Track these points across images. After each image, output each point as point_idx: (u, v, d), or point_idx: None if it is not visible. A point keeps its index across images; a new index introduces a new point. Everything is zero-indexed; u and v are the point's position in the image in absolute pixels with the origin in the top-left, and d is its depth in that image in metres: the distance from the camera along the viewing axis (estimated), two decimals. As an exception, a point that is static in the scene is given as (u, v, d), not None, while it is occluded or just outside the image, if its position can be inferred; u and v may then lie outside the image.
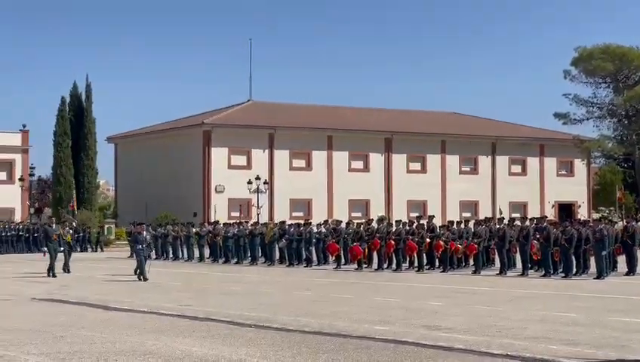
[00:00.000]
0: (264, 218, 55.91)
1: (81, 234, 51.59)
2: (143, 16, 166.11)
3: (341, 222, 37.10)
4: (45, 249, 29.31)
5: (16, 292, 22.99)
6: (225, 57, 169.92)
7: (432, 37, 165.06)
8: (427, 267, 31.35)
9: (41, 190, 76.94)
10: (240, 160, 64.81)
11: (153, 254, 34.89)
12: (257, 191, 59.92)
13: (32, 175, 61.13)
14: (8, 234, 49.79)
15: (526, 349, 12.43)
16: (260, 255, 38.00)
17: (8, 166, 60.38)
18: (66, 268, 30.40)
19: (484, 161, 73.52)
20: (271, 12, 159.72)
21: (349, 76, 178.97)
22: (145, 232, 28.10)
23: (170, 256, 41.86)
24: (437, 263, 31.49)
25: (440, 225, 34.22)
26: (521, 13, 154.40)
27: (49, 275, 28.33)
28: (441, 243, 30.78)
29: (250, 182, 59.94)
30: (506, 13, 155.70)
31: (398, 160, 70.23)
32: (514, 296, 21.49)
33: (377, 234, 32.42)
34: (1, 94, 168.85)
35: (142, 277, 26.47)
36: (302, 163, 67.18)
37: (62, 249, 29.74)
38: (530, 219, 31.08)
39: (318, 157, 67.55)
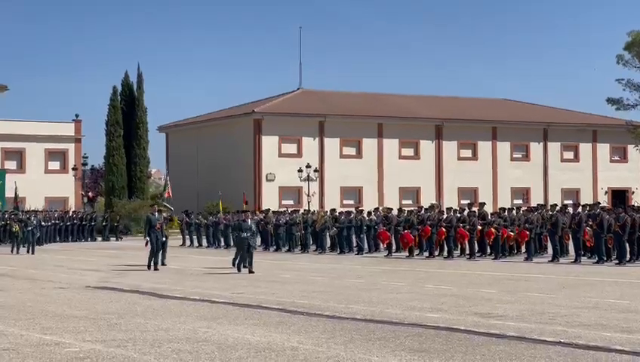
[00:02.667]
0: (315, 206, 56.02)
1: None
2: (194, 5, 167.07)
3: (392, 209, 37.07)
4: (147, 238, 27.27)
5: (71, 280, 23.33)
6: (275, 45, 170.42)
7: (483, 23, 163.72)
8: (478, 254, 31.22)
9: (94, 179, 77.85)
10: (290, 148, 64.96)
11: (258, 242, 33.05)
12: (308, 179, 59.96)
13: (84, 164, 61.82)
14: (67, 223, 50.36)
15: (579, 336, 12.31)
16: (311, 242, 38.13)
17: (62, 156, 61.16)
18: (162, 260, 27.91)
19: (535, 148, 72.81)
20: (319, 1, 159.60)
21: (399, 63, 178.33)
22: (249, 220, 26.02)
23: (222, 244, 42.16)
24: (488, 250, 31.34)
25: (491, 212, 34.02)
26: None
27: (149, 268, 26.56)
28: (493, 230, 30.60)
29: (300, 170, 60.03)
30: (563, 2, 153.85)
31: (449, 147, 69.86)
32: (566, 283, 21.29)
33: (428, 222, 32.34)
34: (54, 85, 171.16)
35: (240, 268, 24.72)
36: (352, 151, 67.14)
37: (164, 239, 27.90)
38: (583, 206, 30.80)
39: (369, 144, 67.45)
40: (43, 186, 57.48)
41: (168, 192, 49.75)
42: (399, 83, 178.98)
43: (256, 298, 17.90)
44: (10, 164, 59.52)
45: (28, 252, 36.84)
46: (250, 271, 24.28)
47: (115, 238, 52.04)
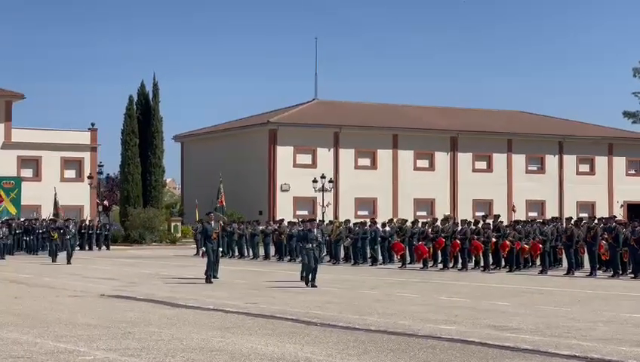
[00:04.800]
0: (329, 216, 56.01)
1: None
2: (210, 15, 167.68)
3: (406, 221, 37.02)
4: (204, 249, 25.66)
5: (86, 288, 23.38)
6: (291, 56, 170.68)
7: (499, 34, 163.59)
8: (493, 267, 31.12)
9: (109, 188, 78.10)
10: (305, 158, 65.02)
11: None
12: (322, 189, 60.02)
13: (100, 173, 62.01)
14: (82, 231, 50.47)
15: (594, 350, 12.25)
16: (324, 253, 38.07)
17: (77, 164, 61.35)
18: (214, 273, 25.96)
19: (551, 160, 72.62)
20: (336, 10, 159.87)
21: (415, 74, 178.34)
22: (315, 230, 24.21)
23: (236, 254, 42.19)
24: (503, 263, 31.23)
25: (506, 224, 33.92)
26: (587, 8, 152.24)
27: (207, 281, 24.95)
28: (508, 242, 30.50)
29: (315, 181, 60.07)
30: (572, 9, 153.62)
31: (464, 159, 69.78)
32: (582, 296, 21.19)
33: (443, 234, 32.29)
34: (70, 93, 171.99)
35: (309, 283, 23.41)
36: (367, 161, 67.15)
37: (220, 249, 26.81)
38: (599, 219, 30.63)
39: (384, 155, 67.45)
40: (59, 194, 57.58)
41: (221, 201, 47.93)
42: (414, 94, 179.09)
43: (270, 308, 17.89)
44: (27, 172, 59.76)
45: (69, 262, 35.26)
46: (313, 286, 23.08)
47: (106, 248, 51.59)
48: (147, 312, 17.25)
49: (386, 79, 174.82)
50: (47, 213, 53.18)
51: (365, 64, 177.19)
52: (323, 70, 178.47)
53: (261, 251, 40.72)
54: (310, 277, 23.41)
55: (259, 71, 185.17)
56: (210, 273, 25.11)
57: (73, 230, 37.92)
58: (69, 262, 35.07)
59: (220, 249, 26.50)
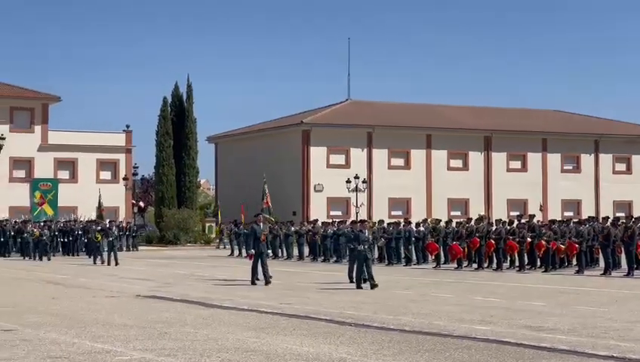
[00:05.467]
0: (363, 217, 55.94)
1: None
2: (243, 16, 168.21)
3: (440, 220, 36.89)
4: (252, 251, 24.80)
5: (121, 289, 23.55)
6: (324, 56, 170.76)
7: (533, 33, 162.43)
8: (528, 267, 30.93)
9: (144, 189, 78.62)
10: (339, 159, 65.04)
11: (376, 254, 30.60)
12: (356, 190, 59.98)
13: (135, 174, 62.48)
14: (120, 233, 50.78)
15: (632, 351, 12.14)
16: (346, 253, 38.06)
17: (113, 166, 61.82)
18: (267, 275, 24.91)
19: (586, 159, 72.06)
20: (369, 10, 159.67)
21: (448, 74, 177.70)
22: (366, 230, 23.89)
23: (270, 254, 42.21)
24: (538, 263, 31.03)
25: (541, 224, 33.70)
26: (622, 9, 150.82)
27: (254, 283, 24.46)
28: (543, 242, 30.30)
29: (348, 181, 60.06)
30: (608, 10, 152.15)
31: (498, 158, 69.45)
32: (619, 296, 21.01)
33: (477, 234, 32.14)
34: (105, 95, 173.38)
35: (361, 283, 22.83)
36: (400, 162, 67.04)
37: (269, 251, 25.70)
38: (636, 218, 30.31)
39: (417, 155, 67.31)
40: (94, 196, 58.13)
41: (267, 201, 46.93)
42: (448, 94, 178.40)
43: (304, 308, 17.91)
44: (63, 174, 60.33)
45: (109, 263, 35.36)
46: (374, 285, 22.48)
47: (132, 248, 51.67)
48: (182, 312, 17.34)
49: (420, 79, 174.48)
50: (83, 214, 53.59)
51: (398, 64, 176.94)
52: (356, 70, 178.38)
53: (295, 251, 40.76)
54: (367, 277, 22.75)
55: (292, 71, 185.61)
56: (265, 275, 24.34)
57: (116, 232, 37.90)
58: (113, 263, 35.02)
59: (270, 251, 25.57)
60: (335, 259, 38.26)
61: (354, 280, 23.47)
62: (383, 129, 66.40)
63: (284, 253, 41.46)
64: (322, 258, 39.00)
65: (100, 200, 52.07)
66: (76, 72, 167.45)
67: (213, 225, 62.37)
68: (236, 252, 45.79)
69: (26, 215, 52.61)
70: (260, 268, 24.58)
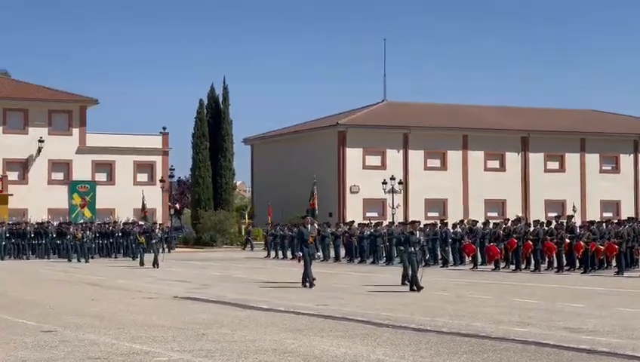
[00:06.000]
0: (399, 218, 55.83)
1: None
2: (278, 19, 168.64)
3: (477, 221, 36.70)
4: (300, 253, 24.45)
5: (159, 291, 23.68)
6: (359, 58, 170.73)
7: (570, 32, 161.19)
8: (567, 268, 30.66)
9: (180, 191, 78.99)
10: (375, 160, 64.96)
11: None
12: (392, 191, 59.86)
13: (171, 176, 62.75)
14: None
15: (674, 353, 11.98)
16: (395, 255, 37.98)
17: (149, 168, 62.18)
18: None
19: (625, 160, 71.32)
20: (405, 11, 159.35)
21: (484, 74, 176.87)
22: (418, 232, 23.53)
23: (320, 256, 42.22)
24: (577, 264, 30.76)
25: (579, 224, 33.41)
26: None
27: (304, 285, 24.03)
28: (582, 243, 30.03)
29: (384, 183, 59.94)
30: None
31: (536, 159, 68.99)
32: (659, 298, 20.76)
33: (514, 235, 31.93)
34: (143, 98, 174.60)
35: (414, 286, 22.31)
36: (437, 163, 66.81)
37: (319, 254, 25.21)
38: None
39: (454, 156, 67.05)
40: (132, 198, 58.54)
41: (313, 203, 45.75)
42: (484, 94, 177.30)
43: (341, 310, 17.90)
44: (101, 176, 60.80)
45: (153, 265, 34.98)
46: (419, 288, 22.08)
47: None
48: (219, 314, 17.40)
49: (455, 80, 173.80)
50: (121, 216, 53.96)
51: (434, 65, 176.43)
52: (392, 71, 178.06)
53: (331, 253, 40.75)
54: (414, 280, 22.36)
55: (328, 73, 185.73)
56: (308, 278, 24.02)
57: (159, 234, 37.84)
58: (156, 265, 34.86)
59: (319, 253, 25.03)
60: (372, 260, 38.20)
61: (407, 282, 23.02)
62: (419, 130, 66.22)
63: (321, 255, 41.42)
64: (359, 259, 38.96)
65: (143, 202, 52.30)
66: (113, 75, 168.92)
67: (250, 226, 62.52)
68: (272, 253, 45.81)
69: (64, 217, 53.05)
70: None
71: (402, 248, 23.40)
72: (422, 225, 36.86)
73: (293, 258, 42.76)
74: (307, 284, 23.91)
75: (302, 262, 24.30)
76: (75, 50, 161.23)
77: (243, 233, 60.78)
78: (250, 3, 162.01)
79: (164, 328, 15.07)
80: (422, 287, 22.08)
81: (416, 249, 22.70)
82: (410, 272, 22.78)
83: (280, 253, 45.20)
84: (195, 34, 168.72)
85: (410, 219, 51.03)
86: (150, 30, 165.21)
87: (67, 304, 19.83)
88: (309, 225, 24.96)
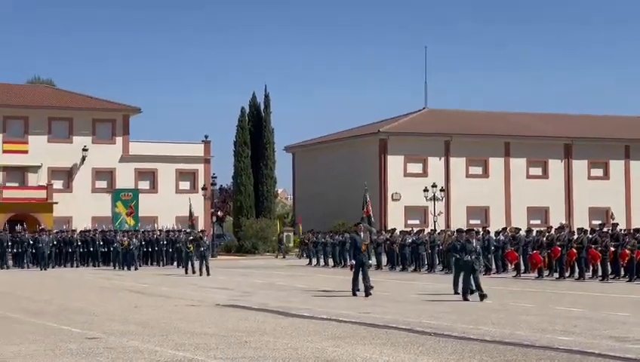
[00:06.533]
0: (441, 225, 55.62)
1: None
2: (319, 26, 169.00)
3: (520, 229, 36.44)
4: (353, 261, 24.04)
5: (202, 298, 23.80)
6: (400, 65, 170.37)
7: (615, 36, 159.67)
8: (611, 276, 30.31)
9: (222, 199, 79.36)
10: (416, 167, 64.82)
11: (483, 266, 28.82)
12: (433, 198, 59.65)
13: (213, 184, 63.09)
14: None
15: None
16: (437, 262, 37.86)
17: (192, 176, 62.60)
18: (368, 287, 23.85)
19: (672, 166, 70.42)
20: (446, 18, 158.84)
21: (526, 81, 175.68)
22: (474, 240, 23.06)
23: (348, 263, 42.18)
24: (622, 272, 30.40)
25: (624, 232, 33.02)
26: None
27: (355, 293, 23.55)
28: (627, 251, 29.68)
29: (426, 190, 59.77)
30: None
31: (579, 166, 68.40)
32: None
33: (558, 242, 31.65)
34: (184, 107, 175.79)
35: (467, 295, 21.91)
36: (478, 170, 66.51)
37: (371, 262, 25.22)
38: None
39: (495, 164, 66.72)
40: (174, 206, 58.97)
41: (367, 211, 44.97)
42: (526, 101, 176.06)
43: (383, 318, 17.85)
44: (144, 184, 61.32)
45: (201, 273, 35.03)
46: (482, 296, 21.62)
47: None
48: (262, 321, 17.44)
49: (497, 87, 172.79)
50: (163, 224, 54.36)
51: (475, 71, 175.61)
52: (433, 79, 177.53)
53: (373, 260, 40.61)
54: (475, 288, 21.87)
55: (369, 80, 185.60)
56: (368, 286, 23.47)
57: (208, 241, 37.83)
58: (207, 273, 34.79)
59: (371, 261, 24.95)
60: (413, 268, 38.08)
61: (459, 291, 22.69)
62: (461, 137, 65.98)
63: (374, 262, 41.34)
64: (400, 267, 38.86)
65: (190, 210, 52.64)
66: (156, 84, 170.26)
67: (291, 234, 62.67)
68: (314, 261, 45.89)
69: (107, 225, 53.53)
70: (360, 279, 23.77)
71: (457, 256, 22.93)
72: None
73: (335, 265, 42.99)
74: (357, 293, 23.43)
75: (353, 270, 23.81)
76: (118, 59, 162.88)
77: (284, 240, 60.75)
78: (291, 12, 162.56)
79: (206, 335, 15.14)
80: (485, 295, 21.64)
81: (473, 257, 22.21)
82: (461, 281, 22.42)
83: (322, 260, 45.27)
84: (236, 42, 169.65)
85: (452, 226, 50.90)
86: (192, 39, 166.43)
87: (111, 311, 20.00)
88: (362, 233, 24.36)
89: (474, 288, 21.97)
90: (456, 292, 23.24)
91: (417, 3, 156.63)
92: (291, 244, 61.77)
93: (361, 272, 23.63)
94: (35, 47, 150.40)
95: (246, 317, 18.49)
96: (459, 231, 25.57)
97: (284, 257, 56.07)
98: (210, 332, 15.66)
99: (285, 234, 62.50)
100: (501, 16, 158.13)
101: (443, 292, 24.60)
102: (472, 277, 22.07)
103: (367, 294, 23.27)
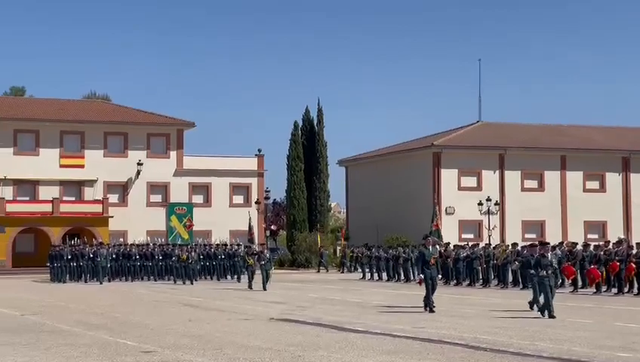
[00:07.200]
0: (496, 240, 55.10)
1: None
2: (371, 40, 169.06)
3: (577, 244, 35.96)
4: (421, 276, 23.45)
5: (255, 312, 23.82)
6: (454, 78, 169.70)
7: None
8: (671, 291, 29.73)
9: (275, 213, 79.59)
10: (470, 181, 64.34)
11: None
12: (488, 212, 59.16)
13: (267, 198, 63.30)
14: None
15: None
16: (492, 277, 37.50)
17: (245, 190, 62.90)
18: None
19: None
20: (500, 31, 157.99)
21: (582, 93, 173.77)
22: (549, 254, 22.28)
23: (402, 277, 42.05)
24: (682, 288, 29.82)
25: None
26: None
27: (427, 309, 23.05)
28: (687, 266, 29.09)
29: (480, 204, 59.30)
30: None
31: (637, 179, 67.36)
32: None
33: (616, 257, 31.14)
34: (238, 121, 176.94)
35: (547, 313, 21.14)
36: (534, 183, 65.84)
37: (440, 276, 24.83)
38: None
39: (551, 177, 65.99)
40: (227, 219, 59.28)
41: (436, 224, 44.19)
42: (582, 113, 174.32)
43: (438, 332, 17.69)
44: (198, 198, 61.77)
45: (264, 288, 34.66)
46: (551, 315, 20.92)
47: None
48: (316, 336, 17.38)
49: (552, 99, 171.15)
50: (217, 237, 54.63)
51: (530, 84, 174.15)
52: (487, 92, 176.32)
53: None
54: (545, 306, 21.21)
55: (422, 94, 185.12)
56: (431, 302, 23.03)
57: (268, 255, 37.76)
58: (263, 288, 34.62)
59: (440, 276, 24.54)
60: (468, 282, 37.76)
61: (538, 308, 21.79)
62: (516, 150, 65.39)
63: (417, 276, 41.13)
64: (454, 281, 38.56)
65: (249, 224, 52.74)
66: (210, 98, 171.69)
67: (346, 248, 62.56)
68: (368, 276, 45.77)
69: (162, 239, 53.90)
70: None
71: (533, 272, 22.01)
72: (519, 247, 36.44)
73: (389, 279, 42.84)
74: (428, 309, 22.93)
75: (422, 285, 23.31)
76: (172, 74, 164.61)
77: (324, 255, 60.48)
78: (344, 26, 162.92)
79: (261, 349, 15.12)
80: (554, 316, 20.86)
81: (549, 272, 21.37)
82: (541, 297, 21.65)
83: (375, 274, 45.14)
84: (289, 57, 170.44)
85: (508, 241, 50.35)
86: (246, 54, 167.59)
87: (166, 324, 20.10)
88: (431, 246, 23.63)
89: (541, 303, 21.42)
90: (531, 308, 22.23)
91: (471, 16, 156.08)
92: (346, 259, 61.57)
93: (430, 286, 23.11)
94: (91, 64, 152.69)
95: (300, 331, 18.45)
96: (531, 245, 24.55)
97: (326, 271, 55.86)
98: (264, 346, 15.64)
99: (333, 247, 62.42)
100: (554, 28, 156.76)
101: (499, 308, 24.32)
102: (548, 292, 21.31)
103: (431, 310, 22.81)
